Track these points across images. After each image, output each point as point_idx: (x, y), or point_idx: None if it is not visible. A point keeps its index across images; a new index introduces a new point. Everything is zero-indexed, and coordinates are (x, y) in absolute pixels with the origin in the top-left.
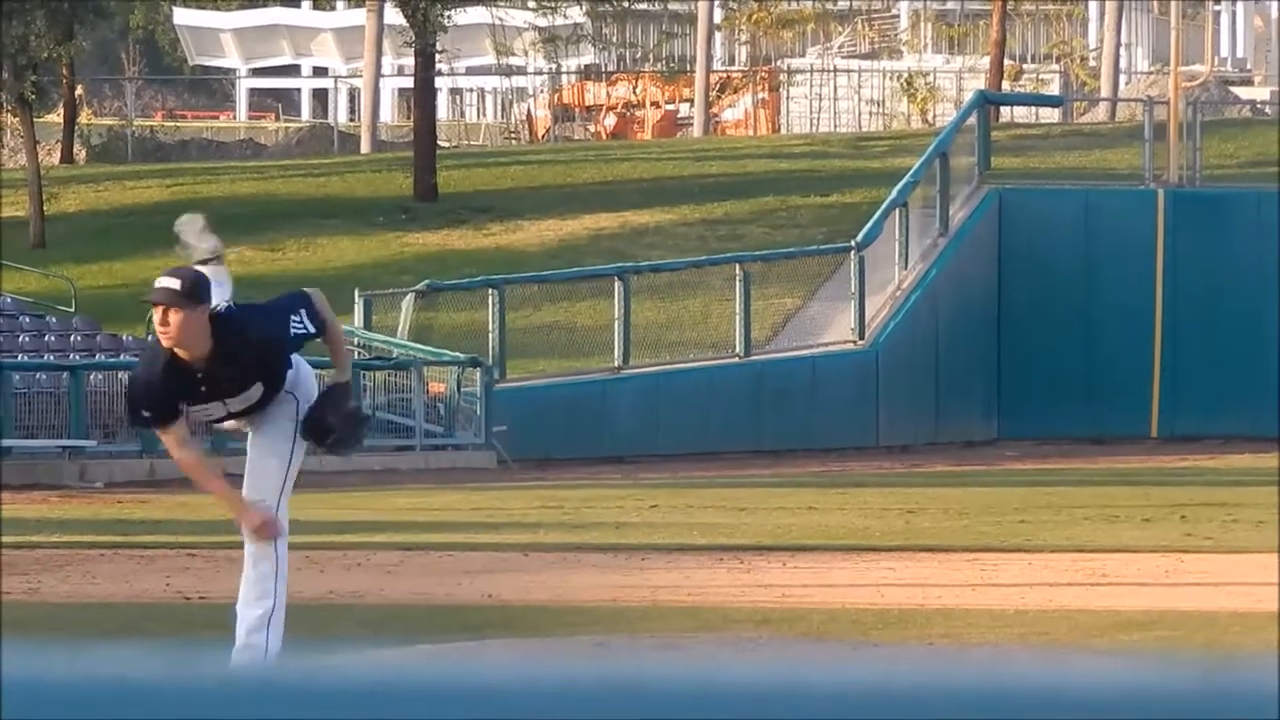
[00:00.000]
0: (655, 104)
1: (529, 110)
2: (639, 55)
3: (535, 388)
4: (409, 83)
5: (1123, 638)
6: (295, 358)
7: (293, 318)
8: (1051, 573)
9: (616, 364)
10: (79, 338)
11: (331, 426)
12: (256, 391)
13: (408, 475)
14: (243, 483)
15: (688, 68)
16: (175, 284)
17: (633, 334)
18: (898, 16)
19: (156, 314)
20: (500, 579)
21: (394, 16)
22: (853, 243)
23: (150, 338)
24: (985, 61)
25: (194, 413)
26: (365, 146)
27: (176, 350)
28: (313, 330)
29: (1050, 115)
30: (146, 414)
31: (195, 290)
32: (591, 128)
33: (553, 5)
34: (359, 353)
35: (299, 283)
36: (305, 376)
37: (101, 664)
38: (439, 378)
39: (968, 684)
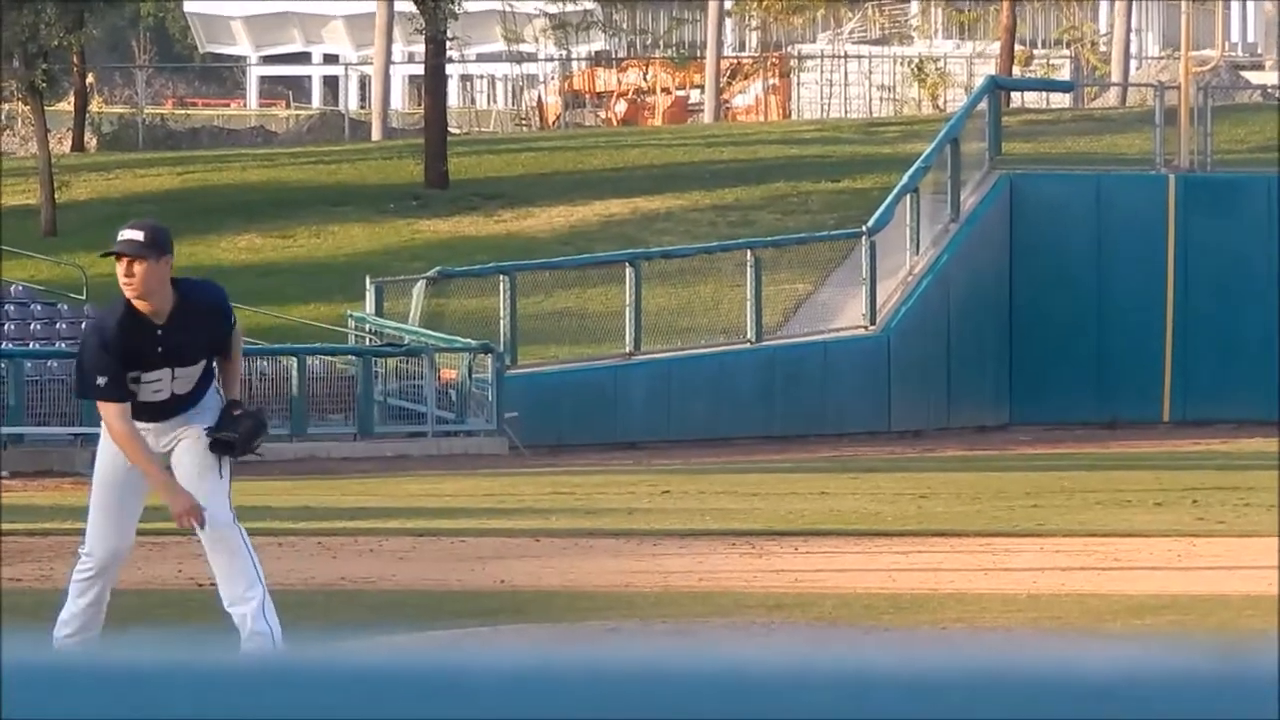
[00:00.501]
0: (666, 90)
1: (540, 97)
2: (650, 41)
3: (547, 374)
4: (420, 70)
5: (1135, 622)
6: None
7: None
8: (1063, 557)
9: (628, 350)
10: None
11: (234, 443)
12: (197, 370)
13: (419, 461)
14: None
15: (698, 54)
16: (139, 234)
17: (644, 320)
18: (909, 2)
19: (120, 266)
20: (512, 565)
21: (405, 4)
22: (864, 228)
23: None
24: (996, 47)
25: (142, 385)
26: (376, 133)
27: (138, 304)
28: (233, 320)
29: (1061, 100)
30: (101, 381)
31: (158, 240)
32: (602, 114)
33: None
34: (370, 339)
35: (312, 270)
36: (213, 396)
37: (113, 650)
38: (451, 364)
39: (980, 668)
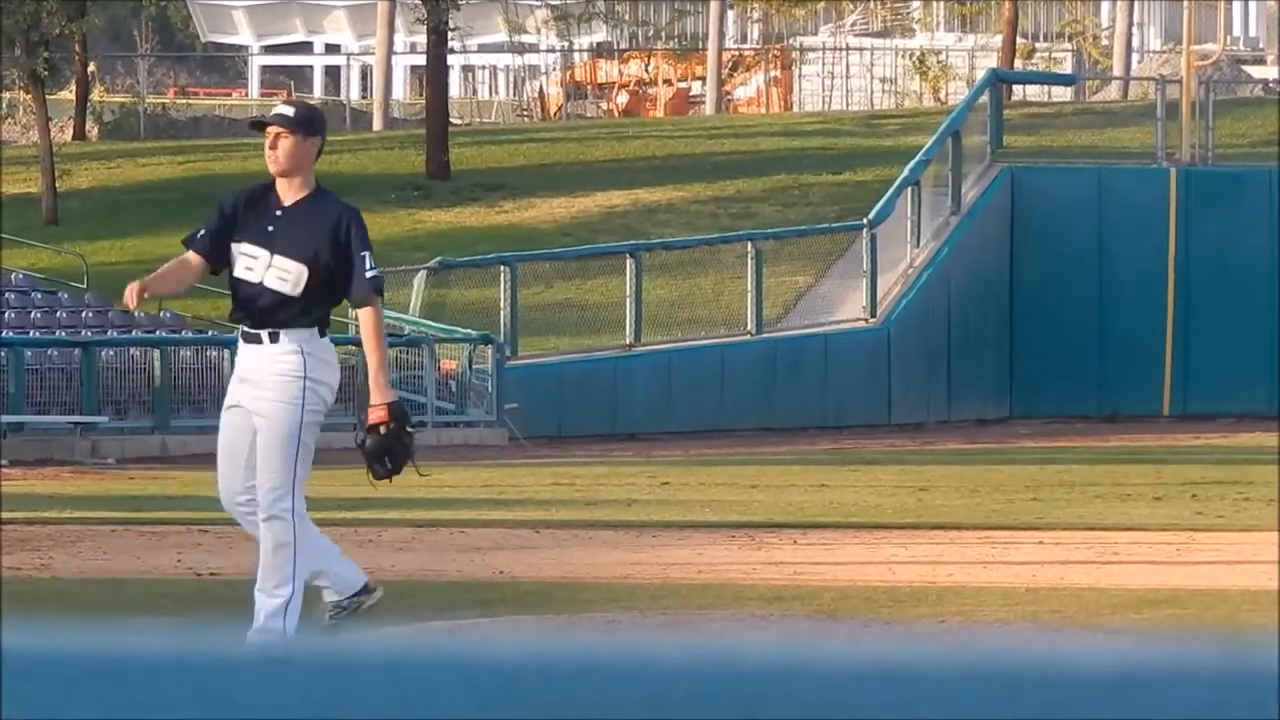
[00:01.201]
0: (668, 82)
1: (541, 88)
2: (651, 33)
3: (547, 365)
4: (421, 60)
5: (1134, 616)
6: (314, 358)
7: (370, 255)
8: (1063, 550)
9: (628, 341)
10: (91, 314)
11: (396, 450)
12: (294, 276)
13: (419, 452)
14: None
15: (700, 45)
16: (289, 110)
17: (645, 311)
18: None
19: (268, 139)
20: (512, 556)
21: None
22: (865, 221)
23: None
24: (998, 40)
25: (240, 256)
26: (378, 124)
27: (278, 181)
28: (375, 274)
29: (1063, 94)
30: (197, 230)
31: (309, 119)
32: (604, 105)
33: None
34: None
35: None
36: (324, 366)
37: (112, 640)
38: (451, 355)
39: (978, 661)
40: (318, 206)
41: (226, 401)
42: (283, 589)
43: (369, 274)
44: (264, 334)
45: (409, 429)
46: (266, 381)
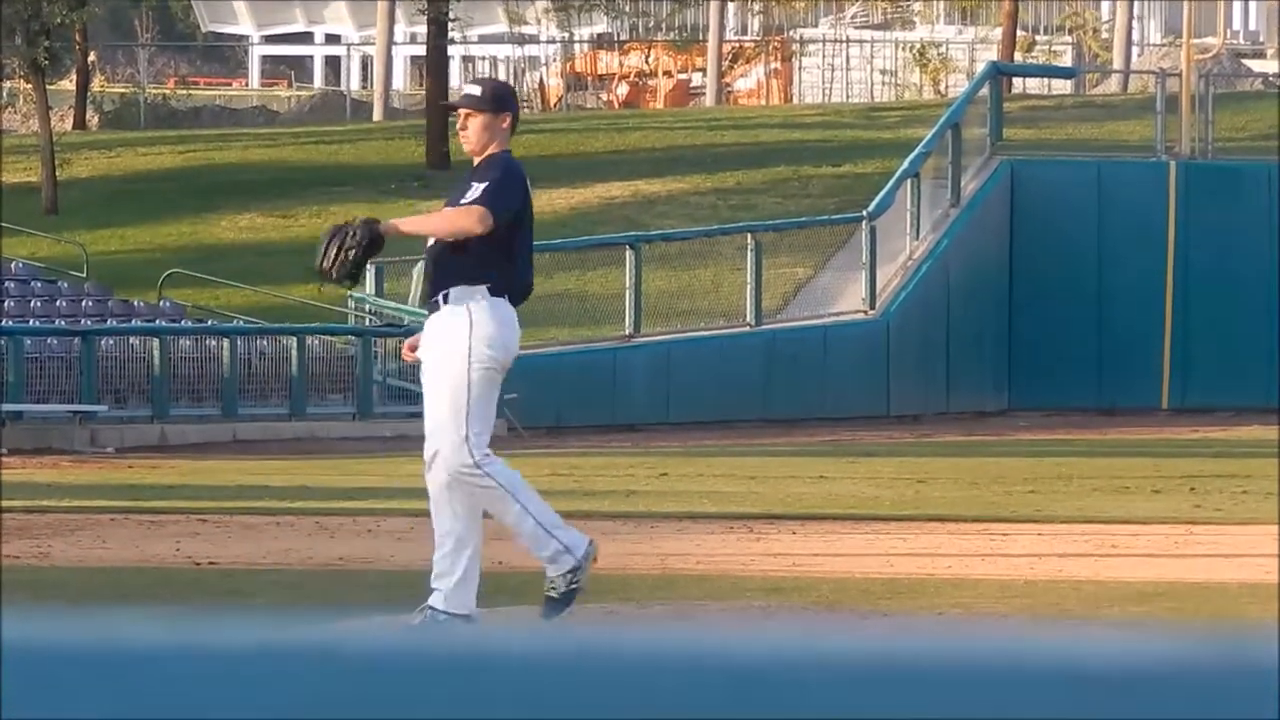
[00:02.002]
0: (668, 73)
1: (541, 79)
2: (652, 24)
3: (546, 356)
4: (422, 50)
5: (1132, 609)
6: (481, 313)
7: (485, 185)
8: (1061, 543)
9: (628, 332)
10: (90, 303)
11: (344, 237)
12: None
13: (419, 442)
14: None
15: (700, 37)
16: (477, 90)
17: (644, 303)
18: None
19: (459, 120)
20: (510, 546)
21: None
22: (864, 213)
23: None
24: (998, 33)
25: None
26: (378, 114)
27: (474, 160)
28: (475, 199)
29: (1063, 87)
30: None
31: (495, 96)
32: (604, 96)
33: None
34: (370, 320)
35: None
36: (494, 324)
37: (110, 629)
38: None
39: (976, 654)
40: (480, 164)
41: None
42: (524, 524)
43: (466, 198)
44: (439, 299)
45: (361, 241)
46: (436, 342)
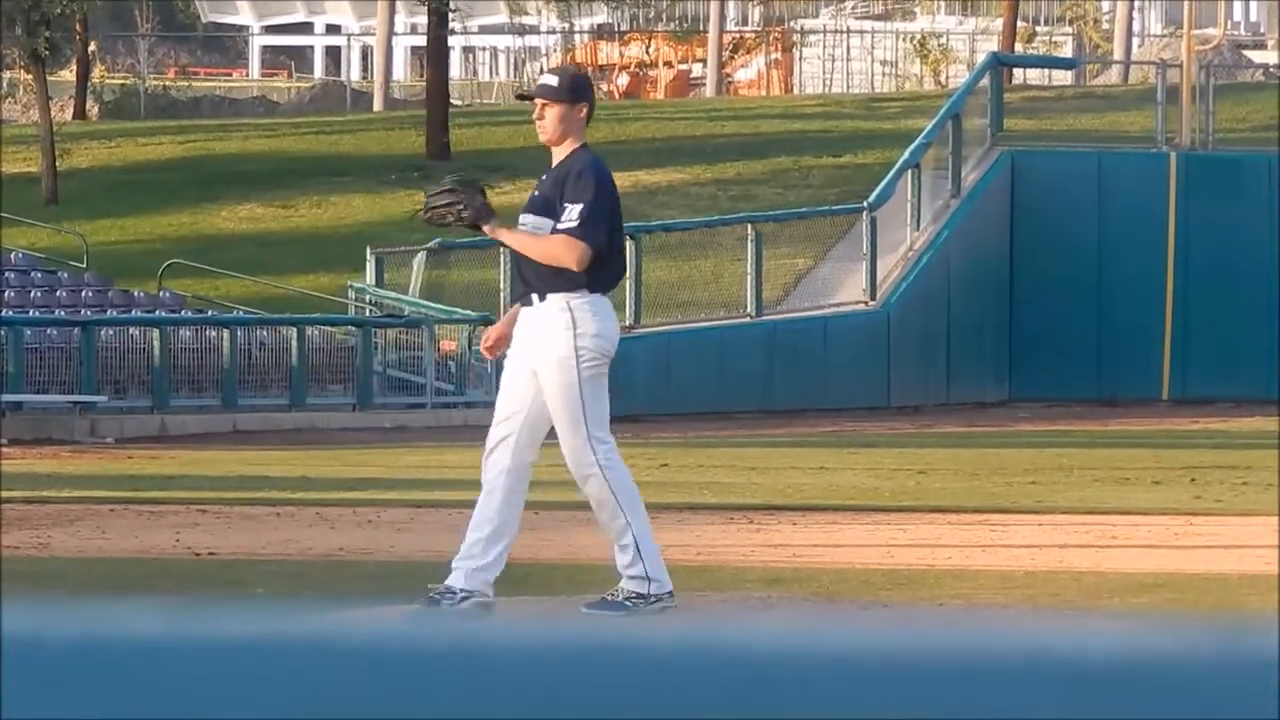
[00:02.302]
0: (668, 64)
1: (542, 69)
2: (652, 15)
3: None
4: (422, 41)
5: (1132, 600)
6: (582, 310)
7: (581, 208)
8: (1061, 534)
9: (628, 323)
10: (90, 293)
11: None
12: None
13: (418, 433)
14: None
15: (701, 27)
16: (553, 80)
17: (644, 293)
18: None
19: (536, 110)
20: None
21: None
22: (865, 203)
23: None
24: (998, 23)
25: (518, 225)
26: (378, 104)
27: (552, 150)
28: (572, 226)
29: (1063, 77)
30: None
31: (572, 86)
32: (604, 87)
33: None
34: (370, 310)
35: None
36: (593, 320)
37: (109, 620)
38: (451, 336)
39: (977, 645)
40: (564, 163)
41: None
42: (625, 538)
43: (563, 225)
44: (534, 296)
45: (463, 218)
46: (538, 345)
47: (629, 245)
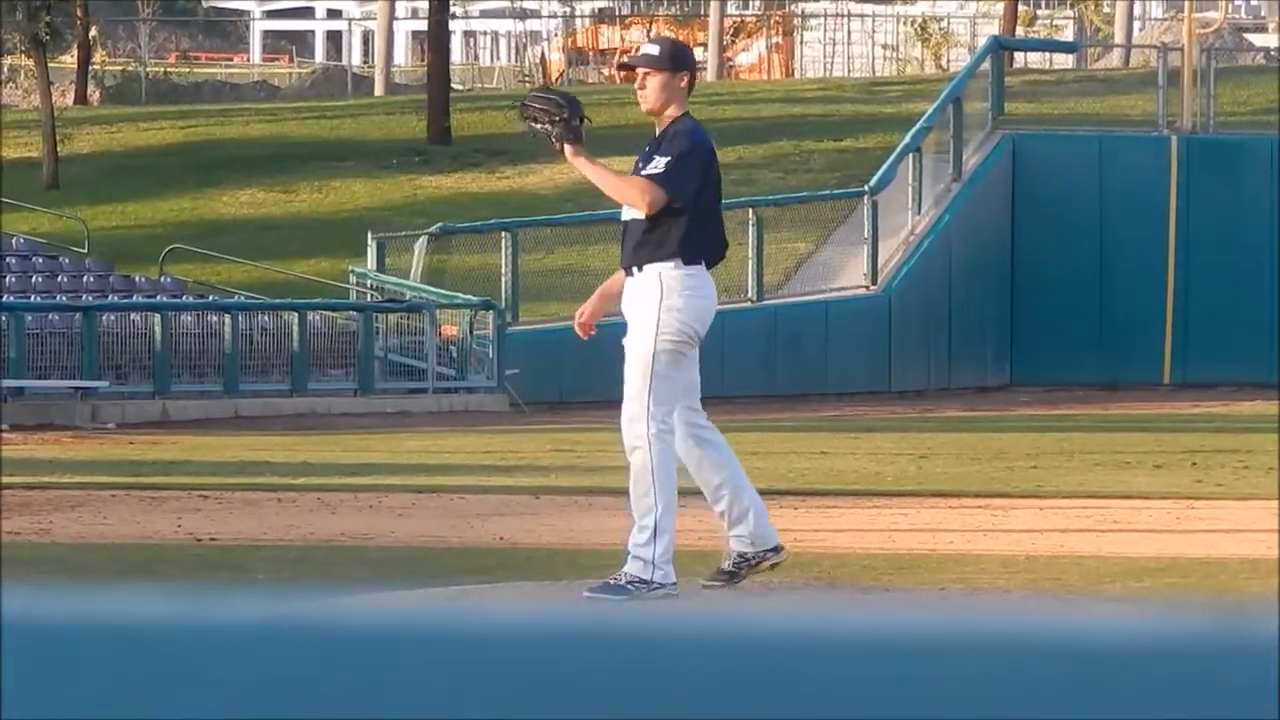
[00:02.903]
0: None
1: (543, 53)
2: None
3: (548, 331)
4: (423, 25)
5: (1133, 584)
6: (672, 282)
7: (669, 159)
8: (1062, 518)
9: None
10: (91, 278)
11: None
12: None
13: (420, 418)
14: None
15: (702, 11)
16: (655, 49)
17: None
18: None
19: (636, 79)
20: (512, 522)
21: None
22: (866, 187)
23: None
24: (999, 7)
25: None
26: (379, 89)
27: (656, 120)
28: (656, 173)
29: (1064, 61)
30: None
31: (673, 54)
32: (605, 72)
33: None
34: (371, 295)
35: (314, 225)
36: (684, 294)
37: (110, 605)
38: (452, 321)
39: (978, 629)
40: (665, 131)
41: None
42: (647, 519)
43: (647, 170)
44: (633, 268)
45: (549, 133)
46: (630, 310)
47: None
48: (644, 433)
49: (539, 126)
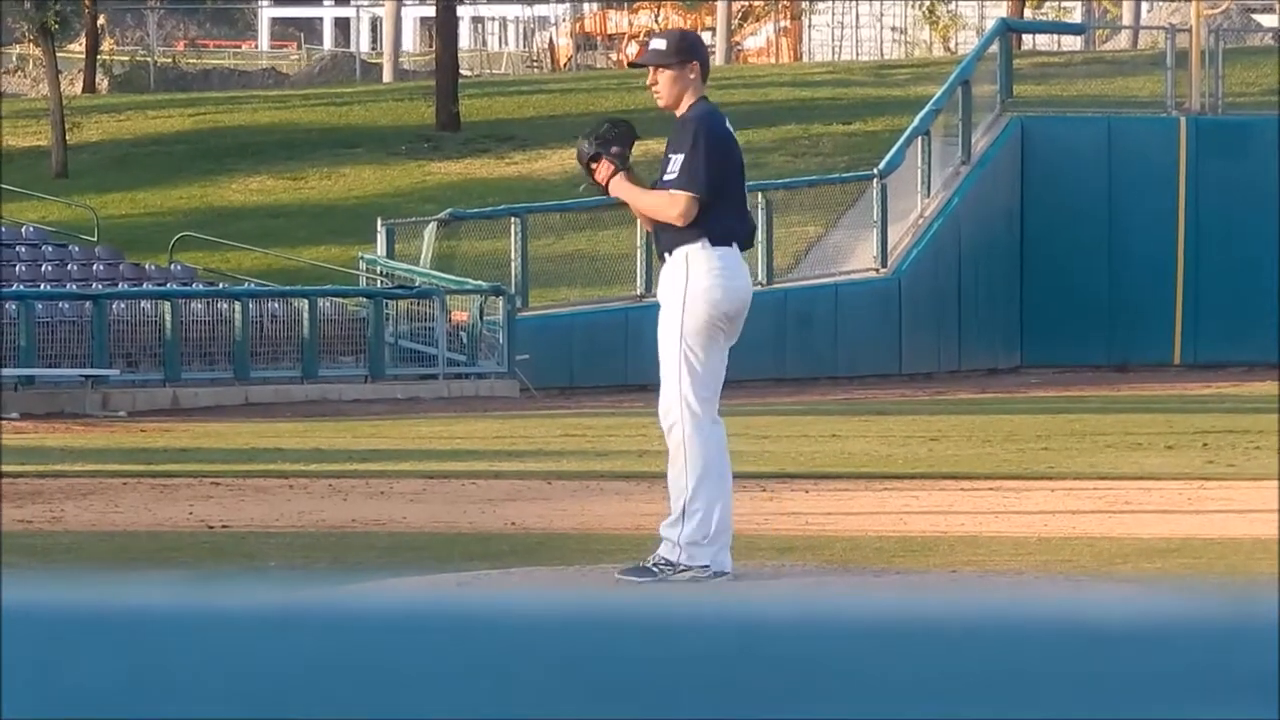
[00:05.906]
0: None
1: (551, 39)
2: None
3: (558, 316)
4: (431, 12)
5: (1145, 565)
6: (699, 264)
7: (681, 159)
8: (1074, 500)
9: (639, 292)
10: (101, 267)
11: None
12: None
13: (431, 404)
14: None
15: None
16: (661, 44)
17: (655, 262)
18: None
19: (649, 77)
20: (523, 507)
21: None
22: (875, 171)
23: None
24: None
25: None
26: (387, 75)
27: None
28: (673, 178)
29: (1073, 43)
30: None
31: (682, 46)
32: (613, 56)
33: None
34: (381, 281)
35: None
36: (712, 275)
37: (123, 592)
38: (462, 306)
39: (990, 611)
40: (674, 126)
41: None
42: (677, 501)
43: (665, 178)
44: (665, 254)
45: (588, 167)
46: (661, 295)
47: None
48: (678, 415)
49: (583, 160)
